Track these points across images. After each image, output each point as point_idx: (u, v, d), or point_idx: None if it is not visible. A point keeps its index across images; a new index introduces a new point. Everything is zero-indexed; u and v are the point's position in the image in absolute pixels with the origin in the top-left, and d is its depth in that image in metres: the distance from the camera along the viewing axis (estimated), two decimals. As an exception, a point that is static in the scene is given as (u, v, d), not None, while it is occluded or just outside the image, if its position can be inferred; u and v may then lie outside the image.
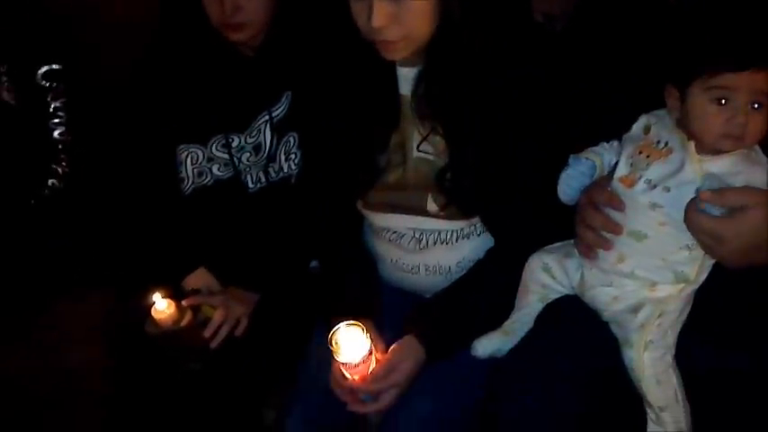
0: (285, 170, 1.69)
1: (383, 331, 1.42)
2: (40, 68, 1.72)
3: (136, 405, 1.55)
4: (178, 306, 1.45)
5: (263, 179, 1.69)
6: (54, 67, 1.72)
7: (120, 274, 1.73)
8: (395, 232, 1.51)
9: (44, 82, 1.72)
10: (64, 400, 1.79)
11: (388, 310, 1.50)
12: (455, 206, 1.44)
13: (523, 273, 1.36)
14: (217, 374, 1.51)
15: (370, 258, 1.57)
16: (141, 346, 1.51)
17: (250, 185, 1.69)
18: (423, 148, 1.44)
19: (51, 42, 1.74)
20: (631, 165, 1.20)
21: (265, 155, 1.67)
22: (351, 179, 1.51)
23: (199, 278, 1.63)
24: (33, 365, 1.79)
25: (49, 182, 1.75)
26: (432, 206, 1.45)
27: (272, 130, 1.66)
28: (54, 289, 1.80)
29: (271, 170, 1.68)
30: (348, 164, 1.50)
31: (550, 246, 1.35)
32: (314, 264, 1.71)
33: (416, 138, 1.44)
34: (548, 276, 1.32)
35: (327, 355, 1.37)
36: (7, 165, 1.77)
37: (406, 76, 1.39)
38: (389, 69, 1.40)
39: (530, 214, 1.40)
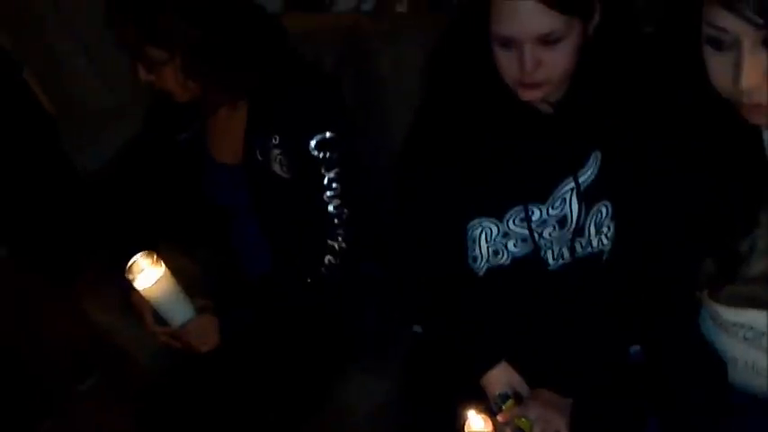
0: (594, 245, 1.43)
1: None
2: (312, 138, 1.56)
3: None
4: (494, 422, 1.24)
5: (567, 255, 1.44)
6: (327, 135, 1.56)
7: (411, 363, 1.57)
8: (751, 328, 1.22)
9: (317, 152, 1.57)
10: None
11: (736, 421, 1.22)
12: None
13: None
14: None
15: (715, 357, 1.29)
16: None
17: (550, 262, 1.45)
18: None
19: (324, 110, 1.58)
20: None
21: (572, 228, 1.42)
22: (694, 267, 1.24)
23: (502, 375, 1.40)
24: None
25: (326, 259, 1.60)
26: (812, 301, 1.16)
27: (579, 199, 1.41)
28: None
29: (577, 245, 1.43)
30: (691, 250, 1.23)
31: None
32: (634, 349, 1.45)
33: None
34: None
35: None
36: (284, 243, 1.65)
37: None
38: (754, 133, 1.12)
39: None
